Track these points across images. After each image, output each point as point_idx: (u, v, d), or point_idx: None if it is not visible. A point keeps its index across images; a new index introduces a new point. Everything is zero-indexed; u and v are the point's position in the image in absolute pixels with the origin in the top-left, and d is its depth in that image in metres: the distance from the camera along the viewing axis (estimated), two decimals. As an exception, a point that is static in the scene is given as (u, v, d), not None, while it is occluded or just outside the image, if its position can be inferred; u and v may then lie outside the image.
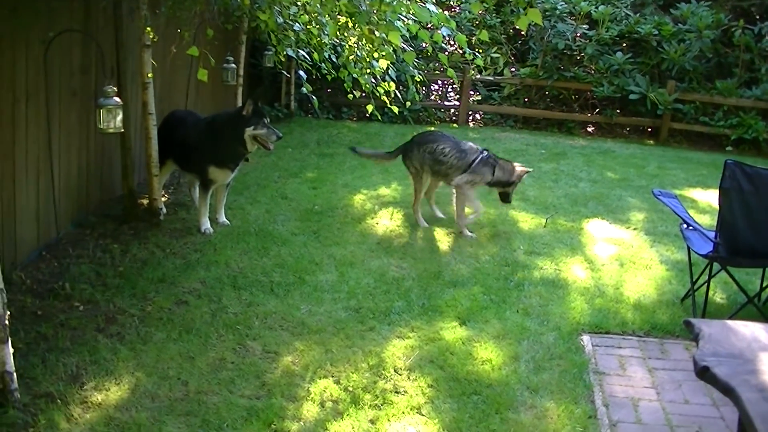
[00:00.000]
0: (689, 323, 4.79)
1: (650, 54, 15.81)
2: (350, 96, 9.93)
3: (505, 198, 8.64)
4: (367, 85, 9.40)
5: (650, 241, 8.59)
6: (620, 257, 8.00)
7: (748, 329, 4.64)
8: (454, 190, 8.54)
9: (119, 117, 6.46)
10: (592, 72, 16.08)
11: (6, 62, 6.07)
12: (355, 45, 9.20)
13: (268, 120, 7.71)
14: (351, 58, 9.23)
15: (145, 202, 8.07)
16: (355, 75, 9.34)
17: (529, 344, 5.89)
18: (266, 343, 5.59)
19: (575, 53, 16.30)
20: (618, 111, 16.05)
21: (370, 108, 9.69)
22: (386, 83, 9.60)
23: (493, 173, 8.37)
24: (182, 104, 9.77)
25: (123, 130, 6.71)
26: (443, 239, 8.20)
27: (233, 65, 9.98)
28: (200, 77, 7.03)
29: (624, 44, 16.18)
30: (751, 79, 15.75)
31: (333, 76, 10.22)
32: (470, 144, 8.70)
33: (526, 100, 16.69)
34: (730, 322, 4.84)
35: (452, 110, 16.67)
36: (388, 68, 9.44)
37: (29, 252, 6.73)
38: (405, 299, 6.54)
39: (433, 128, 14.99)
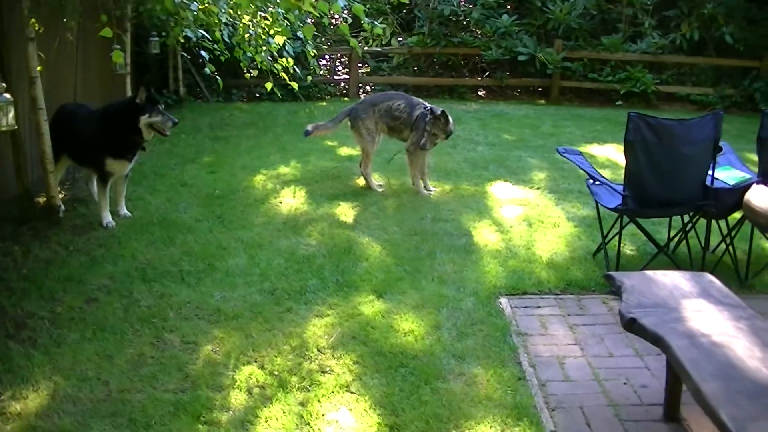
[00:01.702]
0: (610, 277, 4.88)
1: (536, 15, 16.04)
2: (247, 76, 9.78)
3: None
4: (264, 63, 9.23)
5: (555, 200, 8.73)
6: (528, 217, 8.10)
7: (668, 278, 4.75)
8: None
9: (11, 114, 6.21)
10: (480, 36, 16.21)
11: None
12: (250, 23, 9.04)
13: (163, 106, 7.52)
14: (246, 36, 9.07)
15: (42, 200, 7.78)
16: (250, 54, 9.18)
17: (448, 312, 5.90)
18: (184, 334, 5.46)
19: (461, 18, 16.40)
20: (508, 73, 16.24)
21: (269, 86, 9.52)
22: (284, 59, 9.42)
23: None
24: (71, 98, 9.47)
25: (16, 127, 6.45)
26: (348, 213, 8.16)
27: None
28: (116, 59, 6.85)
29: (509, 6, 16.38)
30: (636, 33, 16.15)
31: (227, 56, 10.04)
32: (420, 101, 8.98)
33: (415, 68, 16.75)
34: (650, 273, 4.94)
35: (342, 84, 16.60)
36: (284, 44, 9.27)
37: None
38: (318, 277, 6.49)
39: (324, 103, 14.94)
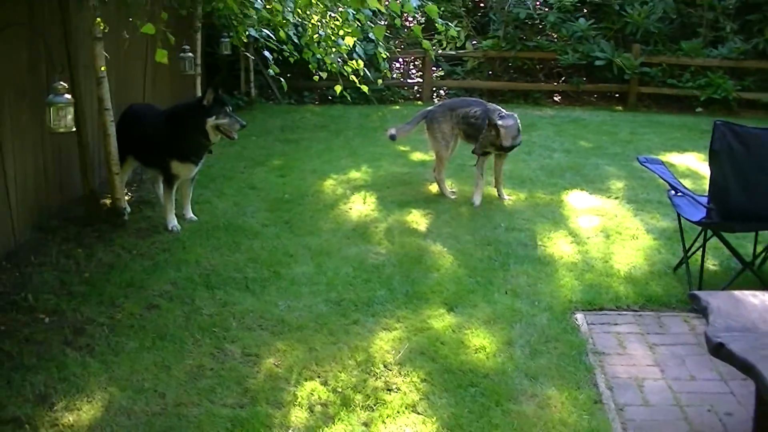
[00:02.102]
0: (694, 296, 4.54)
1: (613, 18, 15.60)
2: (316, 78, 9.50)
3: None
4: (334, 65, 8.96)
5: (633, 210, 8.35)
6: (605, 228, 7.75)
7: (757, 299, 4.39)
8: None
9: (70, 116, 6.07)
10: (556, 40, 15.83)
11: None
12: (319, 23, 8.81)
13: (230, 108, 7.32)
14: (315, 37, 8.83)
15: (108, 202, 7.65)
16: (319, 55, 8.93)
17: (522, 327, 5.60)
18: (245, 346, 5.25)
19: (537, 22, 16.03)
20: (584, 78, 15.82)
21: (338, 89, 9.25)
22: (354, 61, 9.13)
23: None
24: (139, 98, 9.37)
25: (74, 129, 6.31)
26: (419, 221, 7.90)
27: (190, 54, 9.62)
28: (159, 59, 6.60)
29: (585, 10, 15.95)
30: (716, 38, 15.59)
31: (296, 58, 9.83)
32: (498, 108, 8.59)
33: (489, 72, 16.41)
34: (738, 293, 4.58)
35: (416, 87, 16.35)
36: (354, 46, 8.99)
37: (-13, 263, 6.35)
38: (387, 287, 6.23)
39: (397, 107, 14.71)
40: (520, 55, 15.90)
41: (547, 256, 7.04)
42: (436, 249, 7.12)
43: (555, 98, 16.30)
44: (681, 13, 15.68)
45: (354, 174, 9.61)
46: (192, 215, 7.76)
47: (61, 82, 6.07)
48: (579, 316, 5.89)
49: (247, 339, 5.34)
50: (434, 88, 16.29)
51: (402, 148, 11.01)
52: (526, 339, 5.44)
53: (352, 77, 8.92)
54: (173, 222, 7.45)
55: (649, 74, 15.41)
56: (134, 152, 7.72)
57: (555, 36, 15.83)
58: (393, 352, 5.22)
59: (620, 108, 15.47)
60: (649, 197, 8.82)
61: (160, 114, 7.75)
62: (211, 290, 6.12)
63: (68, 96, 6.07)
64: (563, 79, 16.18)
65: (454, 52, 16.11)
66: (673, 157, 10.87)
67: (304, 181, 9.20)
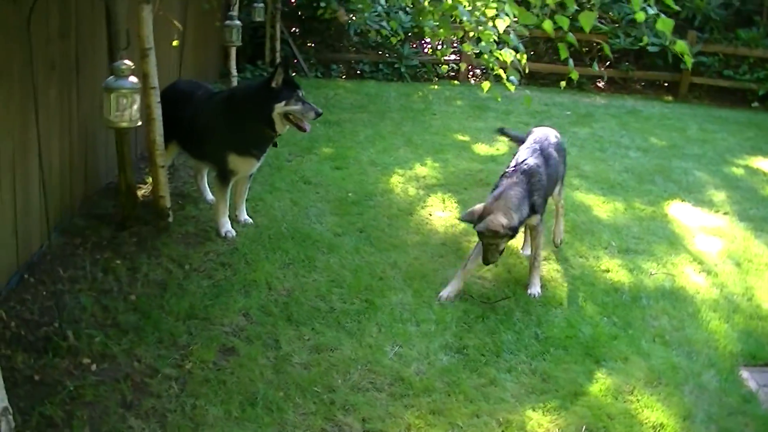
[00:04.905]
0: None
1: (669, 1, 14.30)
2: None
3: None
4: (487, 58, 7.24)
5: (752, 230, 7.24)
6: (731, 254, 6.63)
7: None
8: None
9: (136, 105, 4.74)
10: (605, 22, 14.54)
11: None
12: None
13: (303, 92, 5.97)
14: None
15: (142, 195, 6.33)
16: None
17: (692, 392, 4.53)
18: (366, 418, 4.00)
19: (585, 2, 14.71)
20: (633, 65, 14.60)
21: (486, 86, 7.58)
22: (500, 52, 7.51)
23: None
24: (175, 72, 7.96)
25: (140, 123, 4.98)
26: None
27: (237, 22, 8.19)
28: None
29: (639, -9, 14.64)
30: (775, 28, 14.38)
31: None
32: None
33: (532, 53, 15.07)
34: None
35: (451, 65, 15.05)
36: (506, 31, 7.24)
37: (8, 277, 4.99)
38: (511, 329, 5.03)
39: (436, 87, 13.39)
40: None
41: (679, 289, 5.89)
42: (548, 275, 5.89)
43: (598, 84, 15.01)
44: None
45: (420, 169, 8.27)
46: (246, 217, 6.47)
47: (126, 61, 4.71)
48: (745, 374, 4.85)
49: (363, 406, 4.08)
50: (470, 67, 14.93)
51: (462, 138, 9.75)
52: (704, 411, 4.36)
53: (499, 71, 7.21)
54: (227, 226, 6.15)
55: (705, 64, 14.18)
56: (179, 138, 6.39)
57: (605, 18, 14.49)
58: (552, 426, 3.99)
59: (670, 98, 14.25)
60: (762, 214, 7.69)
61: (215, 96, 6.39)
62: (296, 326, 4.85)
63: (134, 80, 4.73)
64: (609, 63, 14.91)
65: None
66: (761, 163, 9.69)
67: (366, 177, 7.86)
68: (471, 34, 7.08)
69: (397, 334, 4.82)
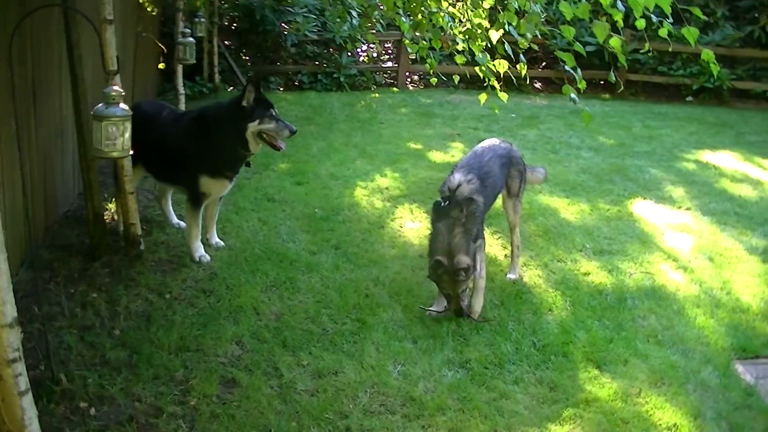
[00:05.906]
0: None
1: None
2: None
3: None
4: (483, 69, 6.94)
5: (717, 225, 7.39)
6: (702, 249, 6.74)
7: None
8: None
9: (128, 134, 4.55)
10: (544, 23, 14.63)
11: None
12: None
13: (276, 111, 5.84)
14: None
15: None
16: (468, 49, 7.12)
17: (696, 390, 4.57)
18: (384, 442, 3.89)
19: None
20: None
21: (482, 98, 7.30)
22: (494, 62, 7.06)
23: None
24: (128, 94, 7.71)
25: (132, 152, 4.81)
26: (491, 242, 6.59)
27: (191, 39, 7.99)
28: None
29: (572, -9, 14.80)
30: (707, 24, 14.65)
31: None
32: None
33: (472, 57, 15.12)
34: None
35: (389, 72, 14.99)
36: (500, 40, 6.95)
37: (-16, 319, 4.73)
38: (508, 339, 4.98)
39: (376, 95, 13.30)
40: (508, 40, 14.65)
41: (660, 287, 5.94)
42: (531, 281, 5.86)
43: (536, 84, 15.14)
44: (670, -2, 14.67)
45: (381, 180, 8.18)
46: (217, 240, 6.31)
47: (115, 87, 4.54)
48: (740, 367, 4.91)
49: (380, 431, 3.96)
50: (408, 73, 14.91)
51: (415, 146, 9.72)
52: (712, 408, 4.39)
53: (493, 81, 6.97)
54: (200, 251, 5.98)
55: (640, 61, 14.41)
56: (145, 161, 6.18)
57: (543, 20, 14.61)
58: (572, 435, 3.97)
59: (607, 96, 14.45)
60: (723, 208, 7.84)
61: (183, 116, 6.21)
62: (293, 352, 4.71)
63: (125, 107, 4.55)
64: (544, 64, 15.06)
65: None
66: (708, 156, 9.87)
67: (329, 191, 7.73)
68: (460, 47, 6.87)
69: (397, 353, 4.72)
